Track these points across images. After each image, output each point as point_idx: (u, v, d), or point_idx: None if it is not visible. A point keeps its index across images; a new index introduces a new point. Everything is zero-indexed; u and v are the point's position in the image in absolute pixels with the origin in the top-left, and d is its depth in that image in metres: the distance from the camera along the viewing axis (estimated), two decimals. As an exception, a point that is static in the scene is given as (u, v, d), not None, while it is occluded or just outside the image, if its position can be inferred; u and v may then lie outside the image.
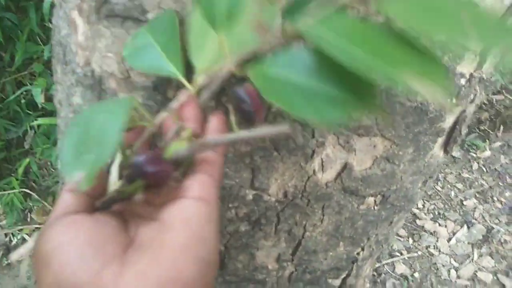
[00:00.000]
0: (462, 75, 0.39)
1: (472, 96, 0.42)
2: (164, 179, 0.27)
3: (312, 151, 0.40)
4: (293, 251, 0.47)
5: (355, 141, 0.40)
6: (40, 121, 0.99)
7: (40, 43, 1.38)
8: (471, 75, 0.39)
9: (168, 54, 0.32)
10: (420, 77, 0.22)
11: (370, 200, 0.46)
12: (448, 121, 0.42)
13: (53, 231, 0.23)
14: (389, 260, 1.30)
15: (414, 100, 0.38)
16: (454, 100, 0.41)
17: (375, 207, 0.47)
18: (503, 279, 1.25)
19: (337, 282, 0.52)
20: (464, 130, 0.45)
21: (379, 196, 0.46)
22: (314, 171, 0.41)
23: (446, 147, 0.46)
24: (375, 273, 1.27)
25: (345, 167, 0.42)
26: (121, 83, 0.36)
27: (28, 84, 1.39)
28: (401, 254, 1.33)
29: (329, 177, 0.42)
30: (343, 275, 0.52)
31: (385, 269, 1.28)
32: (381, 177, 0.43)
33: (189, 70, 0.31)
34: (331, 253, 0.48)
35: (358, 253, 0.50)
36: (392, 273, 1.27)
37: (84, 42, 0.37)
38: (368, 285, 1.24)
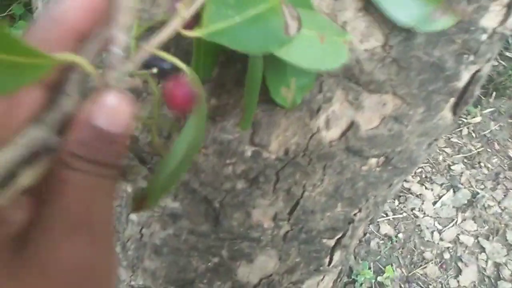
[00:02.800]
0: (484, 30, 0.36)
1: (489, 55, 0.40)
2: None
3: (318, 107, 0.37)
4: (291, 211, 0.45)
5: (364, 97, 0.38)
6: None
7: (20, -17, 1.29)
8: (494, 30, 0.36)
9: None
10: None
11: (373, 161, 0.44)
12: (463, 80, 0.40)
13: None
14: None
15: (431, 54, 0.36)
16: (471, 58, 0.38)
17: (377, 169, 0.45)
18: (484, 242, 1.28)
19: (332, 242, 0.51)
20: (477, 92, 0.43)
21: (382, 157, 0.44)
22: (318, 128, 0.39)
23: (456, 108, 0.43)
24: (360, 233, 1.29)
25: (352, 125, 0.40)
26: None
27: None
28: (387, 215, 1.35)
29: (333, 136, 0.40)
30: (339, 236, 0.51)
31: (370, 229, 1.30)
32: (387, 138, 0.41)
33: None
34: (328, 214, 0.47)
35: (355, 214, 0.49)
36: (376, 233, 1.30)
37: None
38: (354, 244, 1.26)
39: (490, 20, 0.36)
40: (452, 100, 0.41)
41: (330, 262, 0.55)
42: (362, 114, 0.39)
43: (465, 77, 0.39)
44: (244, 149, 0.40)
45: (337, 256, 0.54)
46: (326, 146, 0.40)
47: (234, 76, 0.36)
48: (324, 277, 0.57)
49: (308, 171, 0.42)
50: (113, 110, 0.19)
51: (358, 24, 0.34)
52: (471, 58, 0.38)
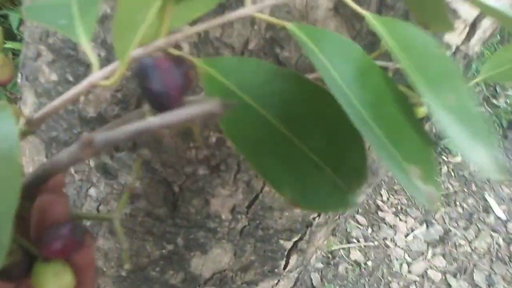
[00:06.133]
0: (448, 46, 0.38)
1: (454, 74, 0.42)
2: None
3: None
4: (249, 204, 0.45)
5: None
6: (10, 44, 0.92)
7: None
8: (457, 47, 0.38)
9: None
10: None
11: (335, 165, 0.45)
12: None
13: None
14: (346, 245, 1.32)
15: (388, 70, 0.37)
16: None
17: (339, 174, 0.46)
18: (451, 279, 1.29)
19: (289, 244, 0.51)
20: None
21: (344, 162, 0.45)
22: (282, 122, 0.40)
23: (419, 123, 0.45)
24: (329, 255, 1.28)
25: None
26: None
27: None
28: (358, 241, 1.35)
29: (297, 131, 0.41)
30: (296, 238, 0.51)
31: (340, 253, 1.30)
32: (349, 142, 0.42)
33: None
34: (286, 213, 0.48)
35: (314, 218, 0.50)
36: (346, 258, 1.29)
37: None
38: (321, 264, 1.25)
39: (455, 37, 0.37)
40: (415, 113, 0.43)
41: (285, 266, 0.55)
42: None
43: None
44: (209, 135, 0.40)
45: (293, 260, 0.54)
46: (289, 142, 0.41)
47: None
48: (278, 281, 0.57)
49: (269, 165, 0.43)
50: None
51: (328, 23, 0.35)
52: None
